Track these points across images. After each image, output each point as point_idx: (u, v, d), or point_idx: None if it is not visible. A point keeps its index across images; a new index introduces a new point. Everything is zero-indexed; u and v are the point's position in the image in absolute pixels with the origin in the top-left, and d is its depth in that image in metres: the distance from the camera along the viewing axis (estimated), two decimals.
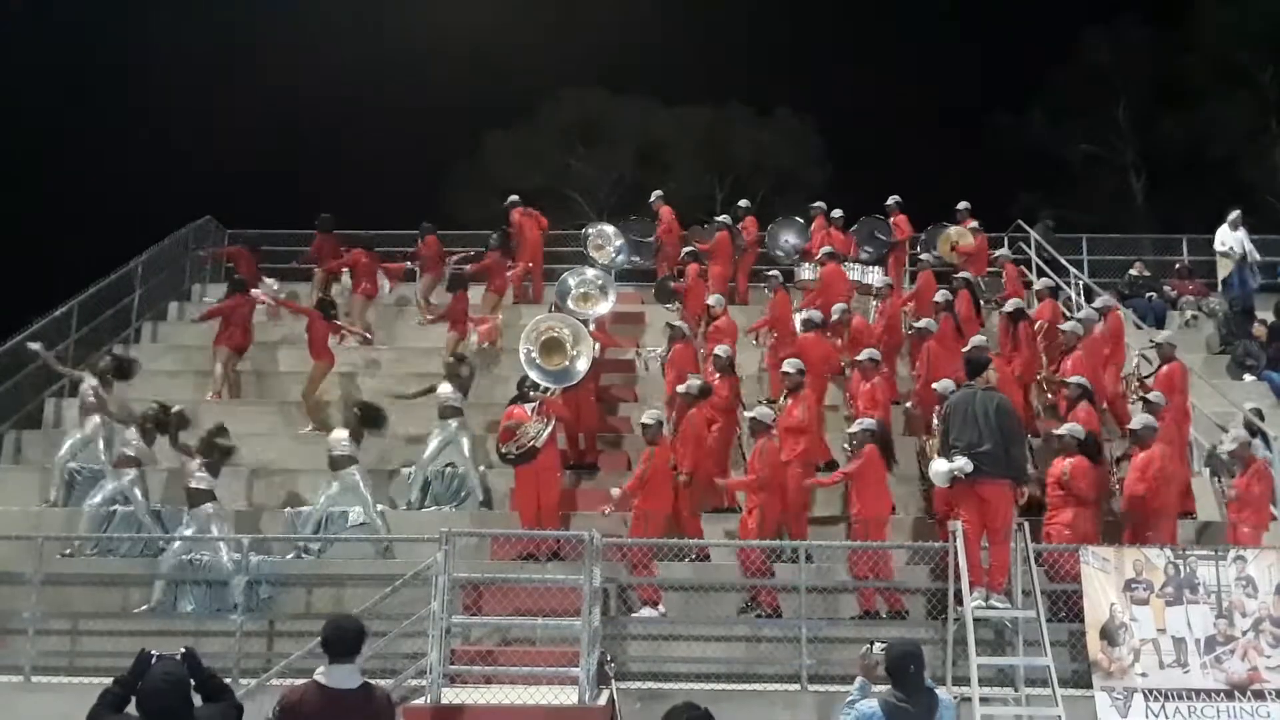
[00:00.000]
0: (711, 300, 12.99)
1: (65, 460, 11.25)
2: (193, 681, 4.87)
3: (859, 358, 11.24)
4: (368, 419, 10.96)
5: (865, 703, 5.39)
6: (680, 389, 10.70)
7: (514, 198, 16.50)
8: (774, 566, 9.55)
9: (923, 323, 12.10)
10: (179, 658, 4.90)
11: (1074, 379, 10.59)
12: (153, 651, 4.87)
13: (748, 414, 10.34)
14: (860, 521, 9.67)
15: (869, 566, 9.27)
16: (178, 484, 10.55)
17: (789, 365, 10.76)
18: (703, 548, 9.93)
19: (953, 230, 15.39)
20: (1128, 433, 10.17)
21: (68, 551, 10.20)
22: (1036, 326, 12.08)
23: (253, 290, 14.01)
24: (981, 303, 13.63)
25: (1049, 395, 11.72)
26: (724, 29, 39.88)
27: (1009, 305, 12.40)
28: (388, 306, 15.91)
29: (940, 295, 12.86)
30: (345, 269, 15.29)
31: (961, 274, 13.89)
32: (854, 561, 9.36)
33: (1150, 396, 10.52)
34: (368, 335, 14.24)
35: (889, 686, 5.36)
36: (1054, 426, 10.38)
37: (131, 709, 4.65)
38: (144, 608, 9.61)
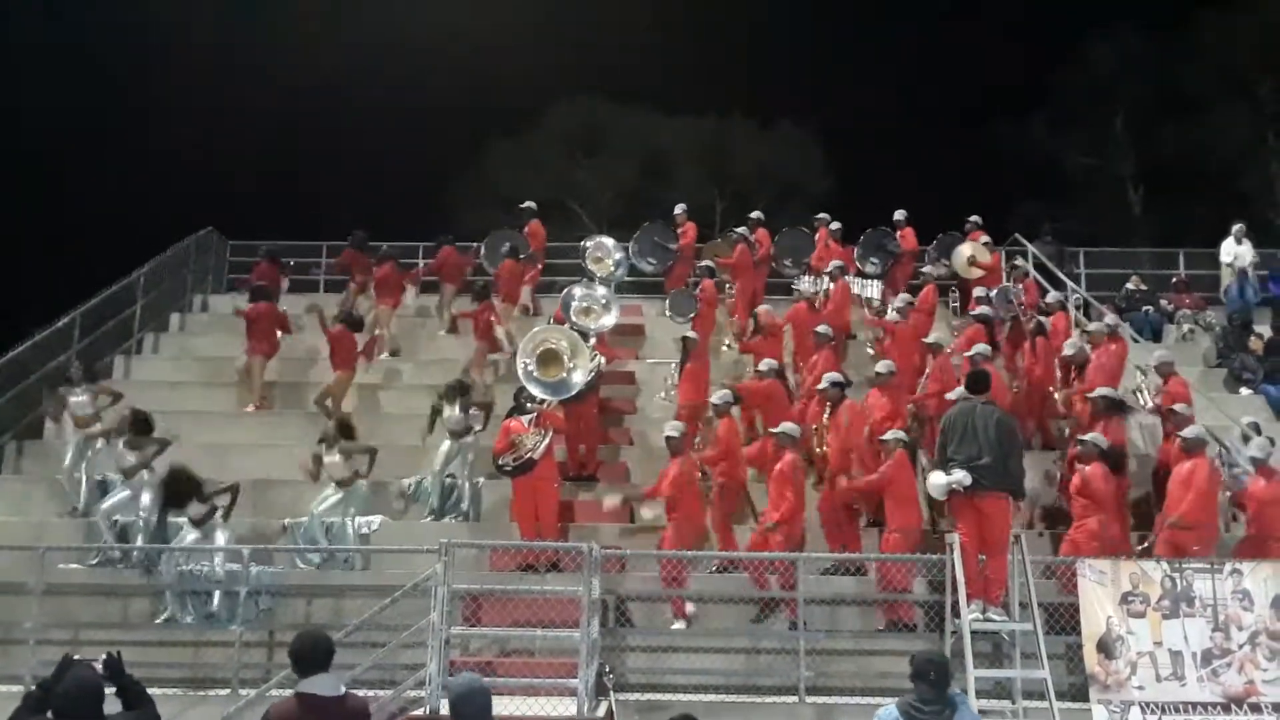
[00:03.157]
0: (761, 309, 13.08)
1: (72, 470, 11.28)
2: (114, 688, 4.95)
3: (878, 369, 11.21)
4: (344, 431, 11.06)
5: (885, 709, 5.57)
6: (714, 400, 10.78)
7: (531, 205, 16.59)
8: (777, 578, 9.54)
9: (933, 338, 12.13)
10: (100, 663, 4.98)
11: (1102, 392, 10.58)
12: (75, 656, 4.98)
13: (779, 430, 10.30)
14: (897, 532, 9.67)
15: (901, 577, 9.32)
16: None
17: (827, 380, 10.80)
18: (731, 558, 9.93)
19: (968, 247, 15.33)
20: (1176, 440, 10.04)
21: (77, 561, 10.19)
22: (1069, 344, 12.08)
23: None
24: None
25: (1063, 410, 11.72)
26: (726, 39, 39.97)
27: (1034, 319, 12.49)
28: (408, 318, 15.87)
29: (980, 310, 12.84)
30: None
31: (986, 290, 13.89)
32: (884, 573, 9.39)
33: (1177, 408, 10.53)
34: (380, 354, 14.30)
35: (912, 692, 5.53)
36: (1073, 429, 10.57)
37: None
38: (161, 619, 9.57)
